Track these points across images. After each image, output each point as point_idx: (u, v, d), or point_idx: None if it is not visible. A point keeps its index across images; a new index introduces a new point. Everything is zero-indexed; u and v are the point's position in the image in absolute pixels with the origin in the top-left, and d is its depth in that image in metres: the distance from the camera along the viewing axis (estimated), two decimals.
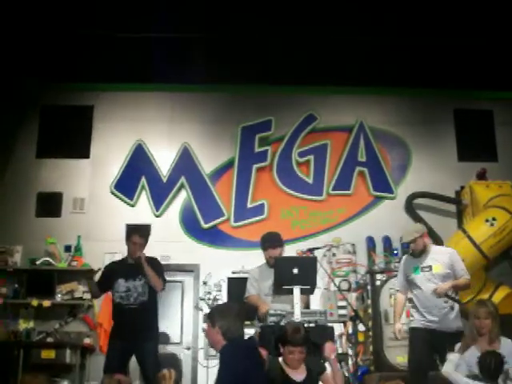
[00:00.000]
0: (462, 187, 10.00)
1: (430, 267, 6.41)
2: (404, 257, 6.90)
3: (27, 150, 10.31)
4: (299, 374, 5.12)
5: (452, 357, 5.64)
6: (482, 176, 10.01)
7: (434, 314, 6.31)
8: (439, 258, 6.49)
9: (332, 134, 10.43)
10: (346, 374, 7.07)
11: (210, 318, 4.66)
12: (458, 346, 5.84)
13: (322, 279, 8.35)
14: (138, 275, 6.75)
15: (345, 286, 9.15)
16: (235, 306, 4.90)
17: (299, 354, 5.10)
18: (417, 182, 10.21)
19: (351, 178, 10.14)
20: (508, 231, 9.06)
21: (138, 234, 6.91)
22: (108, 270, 7.02)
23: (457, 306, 6.37)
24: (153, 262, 6.88)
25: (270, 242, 6.80)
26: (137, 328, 6.66)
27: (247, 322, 6.80)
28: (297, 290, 5.99)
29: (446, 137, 10.61)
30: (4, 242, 9.75)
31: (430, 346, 6.31)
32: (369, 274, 8.94)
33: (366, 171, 10.18)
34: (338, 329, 8.37)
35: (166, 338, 9.00)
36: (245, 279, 6.88)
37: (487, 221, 9.11)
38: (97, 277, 7.04)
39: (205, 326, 4.93)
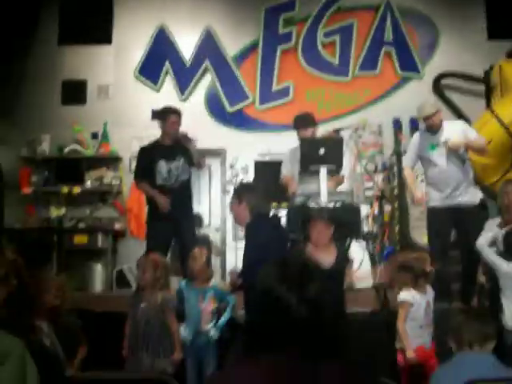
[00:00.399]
0: (492, 67, 9.72)
1: (446, 142, 6.33)
2: (416, 134, 6.79)
3: (49, 38, 10.19)
4: (327, 258, 5.01)
5: (488, 231, 5.58)
6: (510, 56, 9.73)
7: (451, 189, 6.30)
8: (453, 131, 6.40)
9: (358, 13, 10.11)
10: (373, 252, 7.15)
11: (237, 194, 4.69)
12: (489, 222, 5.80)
13: (348, 161, 8.33)
14: (177, 155, 6.88)
15: (371, 167, 9.15)
16: (262, 184, 4.94)
17: (325, 231, 5.06)
18: (444, 62, 9.94)
19: (377, 59, 9.91)
20: None
21: (175, 113, 6.99)
22: (146, 153, 7.10)
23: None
24: (181, 148, 7.00)
25: (302, 122, 6.79)
26: (178, 207, 6.83)
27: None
28: (323, 170, 6.01)
29: (476, 15, 10.23)
30: (32, 131, 9.83)
31: (450, 223, 6.35)
32: (395, 155, 8.91)
33: (392, 51, 9.94)
34: (365, 210, 8.42)
35: (199, 221, 9.16)
36: (271, 162, 6.92)
37: None
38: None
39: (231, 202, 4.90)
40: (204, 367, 5.34)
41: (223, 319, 5.32)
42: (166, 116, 6.98)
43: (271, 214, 4.93)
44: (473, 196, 6.41)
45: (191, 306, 5.44)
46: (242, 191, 4.68)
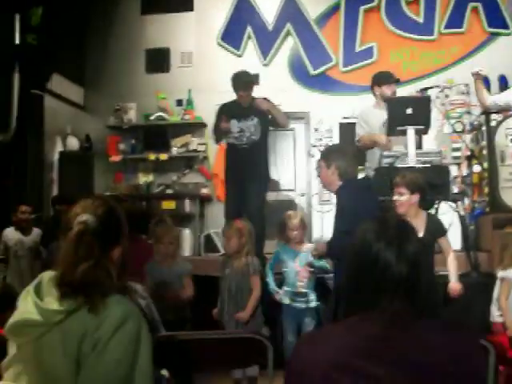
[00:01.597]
0: None
1: None
2: None
3: (132, 8, 10.34)
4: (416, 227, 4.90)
5: None
6: None
7: None
8: None
9: None
10: (463, 213, 7.00)
11: (325, 158, 4.64)
12: None
13: (435, 121, 8.13)
14: (251, 115, 6.93)
15: (459, 127, 8.92)
16: (350, 146, 4.87)
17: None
18: None
19: (464, 15, 9.56)
20: None
21: (241, 89, 7.03)
22: (222, 110, 7.24)
23: None
24: (261, 110, 7.05)
25: (385, 78, 6.69)
26: (247, 166, 6.90)
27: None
28: (411, 130, 5.90)
29: None
30: (118, 100, 10.03)
31: None
32: (484, 114, 8.64)
33: (479, 6, 9.55)
34: (453, 171, 8.24)
35: (276, 185, 9.19)
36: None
37: None
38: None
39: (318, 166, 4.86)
40: (302, 329, 5.41)
41: (319, 264, 5.33)
42: (236, 89, 7.04)
43: (360, 176, 4.84)
44: None
45: (288, 268, 5.51)
46: (330, 154, 4.61)
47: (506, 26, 9.56)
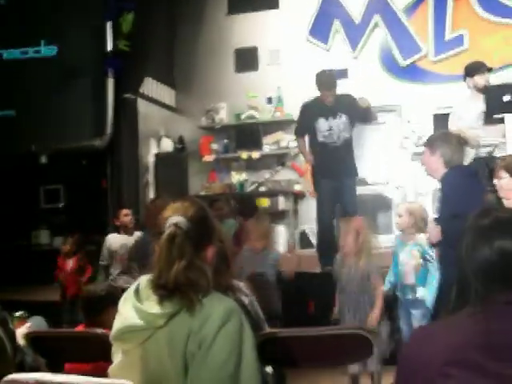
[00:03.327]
0: None
1: None
2: None
3: (219, 8, 10.47)
4: None
5: None
6: None
7: None
8: None
9: None
10: None
11: (430, 145, 4.55)
12: None
13: None
14: (339, 113, 6.92)
15: None
16: (455, 133, 4.78)
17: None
18: None
19: None
20: None
21: (325, 88, 7.02)
22: (306, 110, 7.26)
23: None
24: (350, 100, 7.05)
25: (477, 67, 6.54)
26: (339, 164, 6.90)
27: None
28: (509, 117, 5.74)
29: None
30: (209, 101, 10.17)
31: None
32: None
33: None
34: None
35: (368, 180, 9.11)
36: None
37: None
38: None
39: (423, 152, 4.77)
40: (412, 322, 5.35)
41: (430, 286, 5.24)
42: (320, 89, 7.03)
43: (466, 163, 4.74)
44: None
45: (398, 260, 5.46)
46: (434, 141, 4.53)
47: None
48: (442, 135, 4.70)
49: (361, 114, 7.14)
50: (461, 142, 4.53)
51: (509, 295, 1.79)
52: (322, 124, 7.04)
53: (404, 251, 5.40)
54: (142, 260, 5.23)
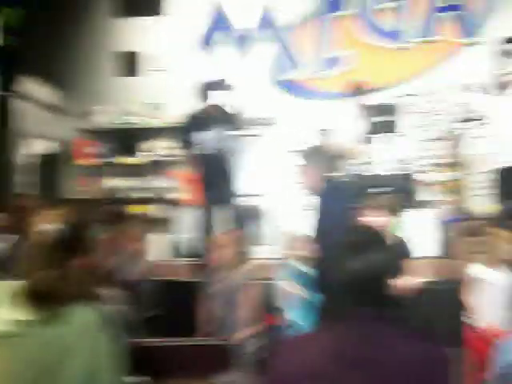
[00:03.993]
0: None
1: None
2: None
3: (101, 10, 10.28)
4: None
5: None
6: None
7: None
8: None
9: None
10: (435, 220, 7.03)
11: (306, 159, 4.60)
12: None
13: (410, 128, 8.11)
14: (215, 125, 6.97)
15: (435, 134, 8.91)
16: (329, 148, 4.86)
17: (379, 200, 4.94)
18: (507, 26, 9.48)
19: (437, 24, 9.60)
20: None
21: (204, 100, 7.05)
22: (189, 119, 7.27)
23: None
24: (230, 114, 7.06)
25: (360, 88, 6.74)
26: (217, 175, 6.93)
27: None
28: (375, 138, 5.92)
29: None
30: (88, 103, 9.95)
31: None
32: (460, 122, 8.69)
33: (453, 15, 9.60)
34: (427, 177, 8.24)
35: (244, 192, 9.17)
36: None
37: None
38: None
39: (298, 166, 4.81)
40: None
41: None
42: (202, 99, 7.05)
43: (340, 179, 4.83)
44: None
45: None
46: (310, 155, 4.59)
47: (479, 35, 9.59)
48: (318, 149, 4.78)
49: (238, 127, 7.20)
50: (336, 155, 4.62)
51: (366, 310, 1.85)
52: (202, 134, 7.05)
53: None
54: (11, 265, 5.02)
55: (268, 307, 5.79)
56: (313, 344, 1.86)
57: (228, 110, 7.17)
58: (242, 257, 5.22)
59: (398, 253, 4.83)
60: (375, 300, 1.89)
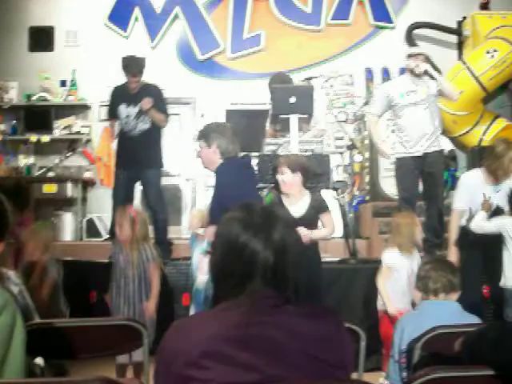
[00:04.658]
0: (464, 18, 9.66)
1: (417, 91, 6.37)
2: (389, 82, 6.77)
3: None
4: (299, 209, 5.03)
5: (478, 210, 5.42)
6: (484, 6, 9.65)
7: (420, 138, 6.30)
8: (429, 82, 6.43)
9: None
10: (343, 202, 7.17)
11: (205, 137, 4.57)
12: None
13: (319, 110, 8.29)
14: (138, 102, 6.78)
15: (342, 117, 9.14)
16: (229, 125, 4.86)
17: (292, 179, 5.00)
18: (417, 12, 9.79)
19: (350, 7, 9.75)
20: (508, 63, 8.79)
21: (130, 74, 6.87)
22: (113, 94, 7.13)
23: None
24: (155, 92, 6.92)
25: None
26: (139, 154, 6.79)
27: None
28: (294, 118, 6.00)
29: None
30: (0, 79, 9.66)
31: (418, 173, 6.38)
32: (366, 105, 8.89)
33: (365, 0, 9.83)
34: (336, 160, 8.43)
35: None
36: (243, 111, 6.88)
37: (488, 52, 8.82)
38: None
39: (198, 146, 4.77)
40: None
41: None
42: (126, 74, 6.89)
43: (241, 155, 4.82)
44: (442, 146, 6.47)
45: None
46: (209, 134, 4.56)
47: (389, 20, 9.84)
48: (217, 127, 4.75)
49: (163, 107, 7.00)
50: (235, 133, 4.63)
51: (266, 290, 1.87)
52: (123, 110, 6.86)
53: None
54: None
55: (181, 287, 5.80)
56: (206, 323, 1.86)
57: (149, 87, 6.98)
58: (141, 235, 5.16)
59: (316, 207, 5.05)
60: (275, 279, 1.89)
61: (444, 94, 6.46)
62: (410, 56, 6.45)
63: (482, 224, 5.14)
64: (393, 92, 6.45)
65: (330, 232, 5.20)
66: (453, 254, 5.40)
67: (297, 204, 5.05)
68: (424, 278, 3.59)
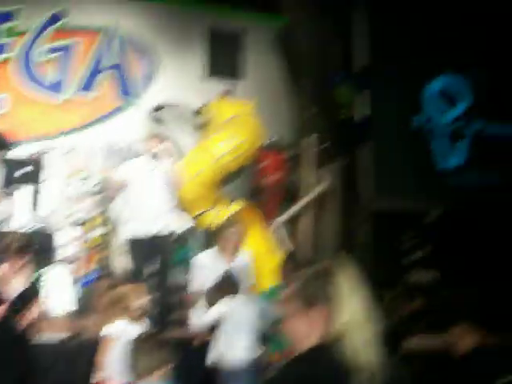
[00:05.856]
0: (207, 103, 10.03)
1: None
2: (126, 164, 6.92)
3: None
4: (17, 286, 4.87)
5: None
6: (226, 95, 10.14)
7: (151, 217, 6.41)
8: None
9: (83, 33, 9.82)
10: (75, 276, 7.01)
11: None
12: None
13: (55, 183, 8.13)
14: None
15: (80, 191, 8.99)
16: None
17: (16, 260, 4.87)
18: (165, 93, 9.99)
19: (97, 82, 9.79)
20: (243, 150, 9.28)
21: None
22: None
23: None
24: None
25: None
26: None
27: None
28: (21, 190, 5.82)
29: (196, 52, 10.52)
30: None
31: (150, 252, 6.47)
32: (103, 180, 8.85)
33: (112, 76, 9.88)
34: (70, 233, 8.23)
35: None
36: None
37: (225, 138, 9.24)
38: None
39: None
40: None
41: None
42: None
43: None
44: (173, 225, 6.61)
45: None
46: None
47: (135, 98, 9.96)
48: None
49: None
50: None
51: None
52: None
53: None
54: None
55: None
56: None
57: None
58: None
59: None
60: None
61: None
62: (148, 137, 6.59)
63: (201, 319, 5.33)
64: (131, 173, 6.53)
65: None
66: None
67: (15, 284, 4.84)
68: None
